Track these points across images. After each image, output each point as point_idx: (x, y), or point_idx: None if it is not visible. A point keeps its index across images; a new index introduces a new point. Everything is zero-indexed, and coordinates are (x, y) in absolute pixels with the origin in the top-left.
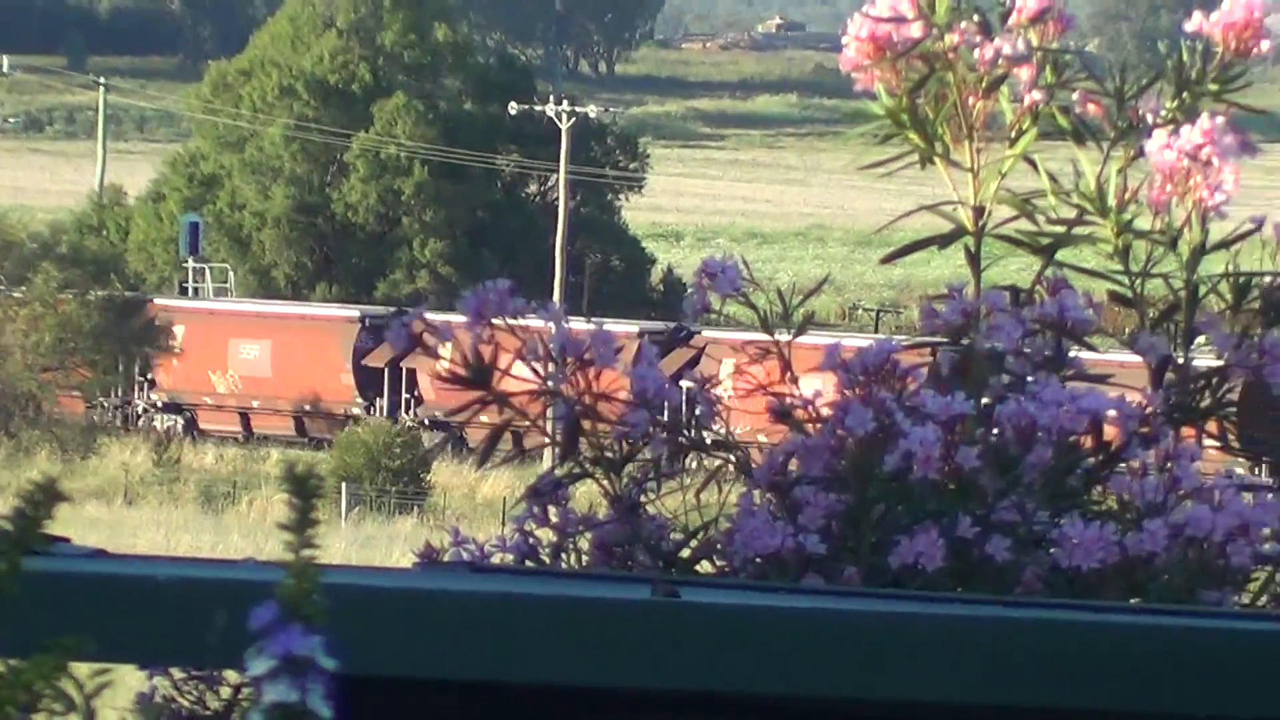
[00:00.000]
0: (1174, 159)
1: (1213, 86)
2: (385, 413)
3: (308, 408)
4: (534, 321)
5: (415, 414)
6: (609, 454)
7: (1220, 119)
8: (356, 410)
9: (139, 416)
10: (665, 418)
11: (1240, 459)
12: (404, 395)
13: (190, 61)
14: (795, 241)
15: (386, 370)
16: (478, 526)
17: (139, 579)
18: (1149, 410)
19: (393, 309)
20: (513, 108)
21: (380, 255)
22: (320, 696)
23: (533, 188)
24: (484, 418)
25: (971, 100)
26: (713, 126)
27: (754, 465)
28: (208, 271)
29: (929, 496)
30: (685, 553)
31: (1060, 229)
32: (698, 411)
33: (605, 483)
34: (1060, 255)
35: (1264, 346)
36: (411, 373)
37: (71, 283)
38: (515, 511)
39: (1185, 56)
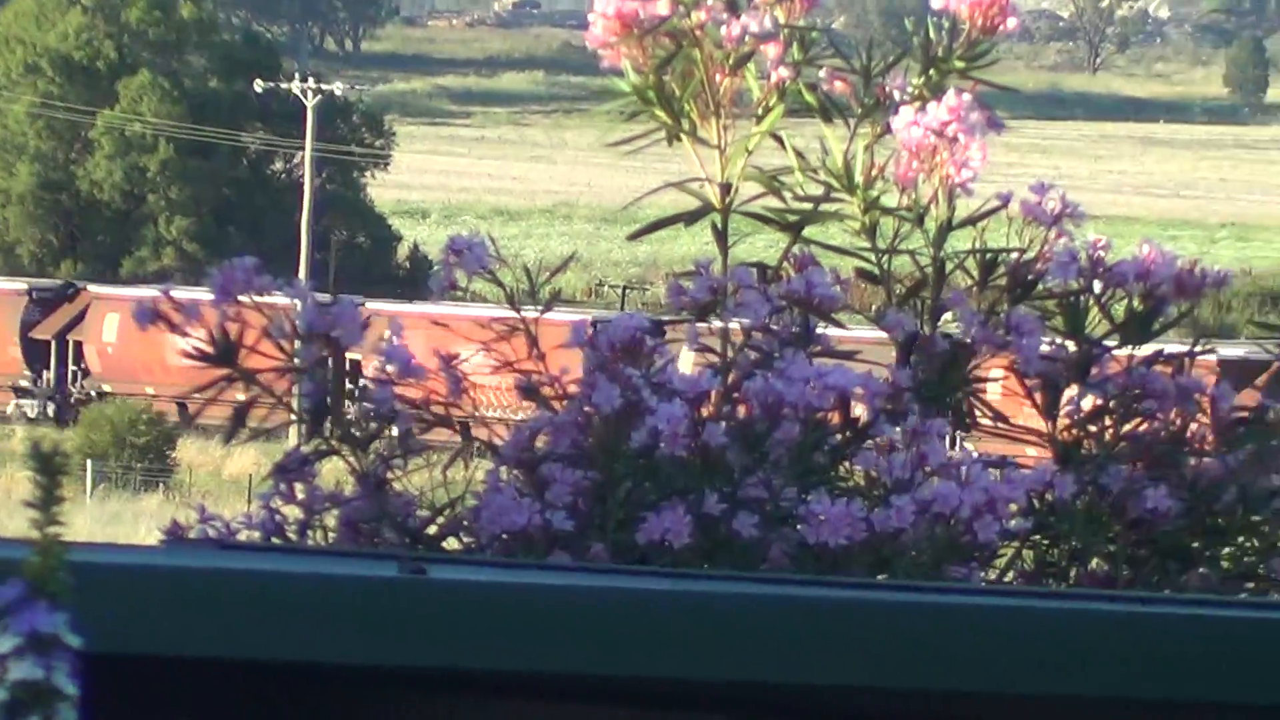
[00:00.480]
0: (921, 136)
1: (959, 63)
2: (53, 385)
3: None
4: (280, 299)
5: (82, 386)
6: (356, 431)
7: (967, 96)
8: (24, 383)
9: None
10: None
11: (982, 435)
12: (71, 367)
13: None
14: (541, 218)
15: (54, 343)
16: (224, 503)
17: None
18: (896, 387)
19: (60, 282)
20: (259, 85)
21: (126, 232)
22: (65, 674)
23: (279, 165)
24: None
25: (718, 77)
26: (459, 104)
27: (501, 442)
28: None
29: (676, 473)
30: (432, 530)
31: (807, 206)
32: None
33: (352, 460)
34: (807, 232)
35: (1011, 322)
36: (78, 345)
37: None
38: (262, 489)
39: (932, 33)
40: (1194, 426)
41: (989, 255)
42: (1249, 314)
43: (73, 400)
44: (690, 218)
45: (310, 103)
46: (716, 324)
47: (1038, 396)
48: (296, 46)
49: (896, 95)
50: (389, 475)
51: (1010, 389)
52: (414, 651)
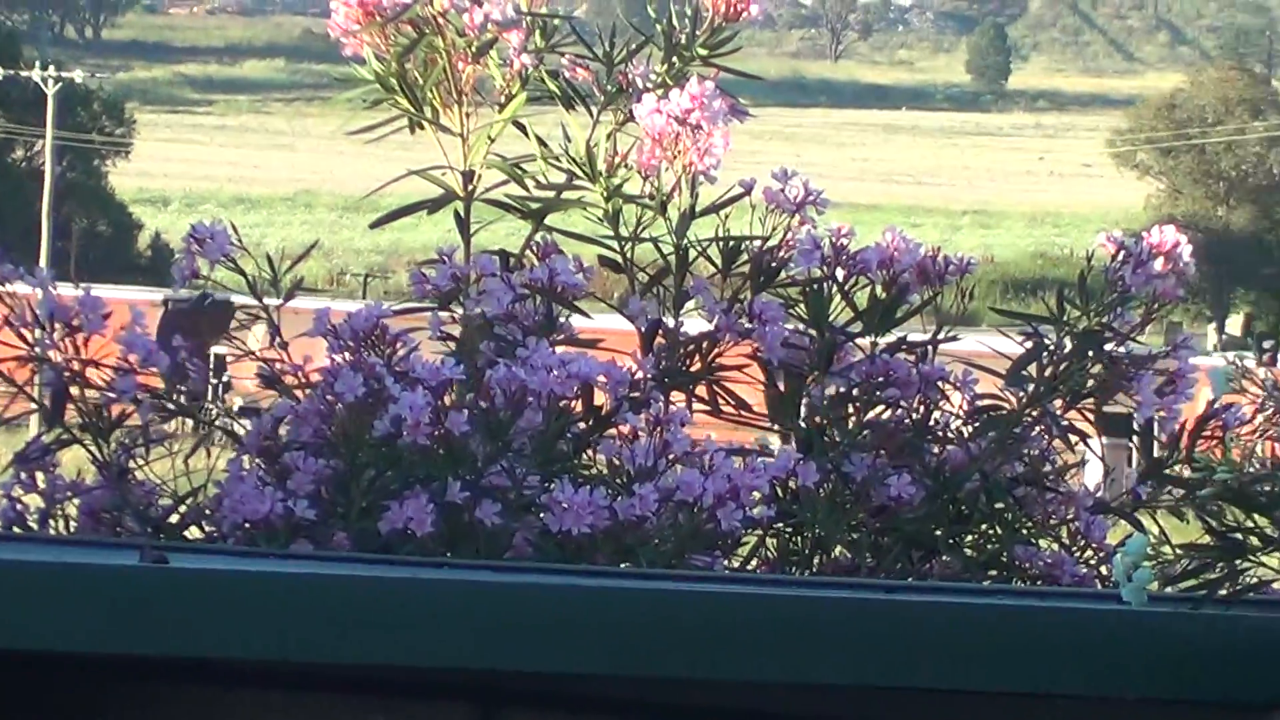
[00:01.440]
0: (663, 123)
1: (702, 51)
2: None
3: None
4: (21, 287)
5: None
6: (97, 420)
7: (709, 83)
8: None
9: None
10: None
11: (727, 423)
12: None
13: None
14: (283, 207)
15: None
16: None
17: None
18: (639, 375)
19: None
20: None
21: None
22: None
23: (19, 153)
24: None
25: (461, 65)
26: (200, 92)
27: (244, 431)
28: None
29: (419, 462)
30: (174, 519)
31: (550, 194)
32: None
33: (94, 449)
34: (550, 220)
35: (754, 310)
36: None
37: None
38: (2, 478)
39: (674, 21)
40: (937, 414)
41: (732, 243)
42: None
43: None
44: (433, 205)
45: (50, 90)
46: (459, 311)
47: (781, 384)
48: (36, 34)
49: (639, 83)
50: (130, 464)
51: (754, 377)
52: (156, 640)
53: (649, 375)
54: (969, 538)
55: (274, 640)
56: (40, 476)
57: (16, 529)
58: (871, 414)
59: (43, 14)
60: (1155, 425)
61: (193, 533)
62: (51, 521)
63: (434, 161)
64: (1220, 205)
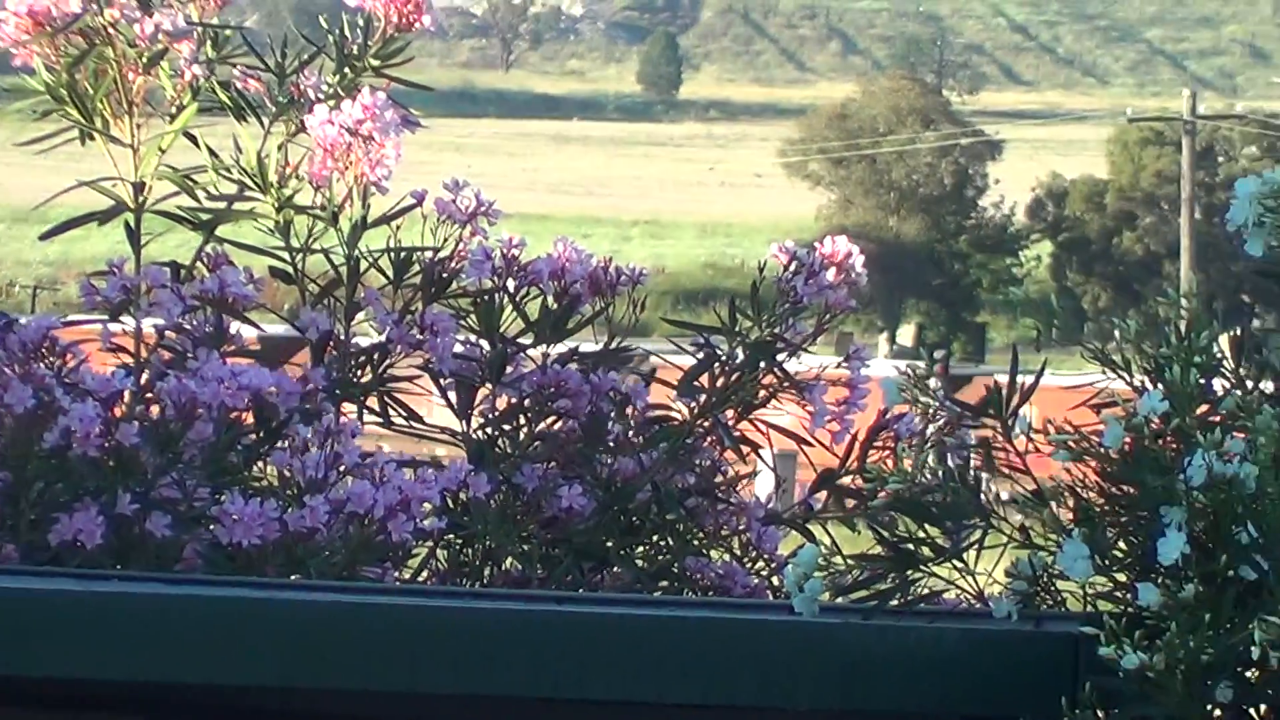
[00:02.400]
0: (335, 134)
1: (374, 61)
2: None
3: None
4: None
5: None
6: None
7: (381, 94)
8: None
9: None
10: None
11: (398, 434)
12: None
13: None
14: None
15: None
16: None
17: None
18: (310, 386)
19: None
20: None
21: None
22: None
23: None
24: None
25: (131, 76)
26: None
27: None
28: None
29: (89, 473)
30: None
31: (220, 205)
32: None
33: None
34: (221, 231)
35: (425, 321)
36: None
37: None
38: None
39: (346, 31)
40: (609, 425)
41: (403, 254)
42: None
43: None
44: (103, 217)
45: None
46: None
47: (452, 395)
48: None
49: (311, 93)
50: None
51: (425, 388)
52: None
53: (320, 387)
54: (640, 549)
55: None
56: None
57: None
58: (543, 425)
59: None
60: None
61: None
62: None
63: (105, 172)
64: (891, 215)
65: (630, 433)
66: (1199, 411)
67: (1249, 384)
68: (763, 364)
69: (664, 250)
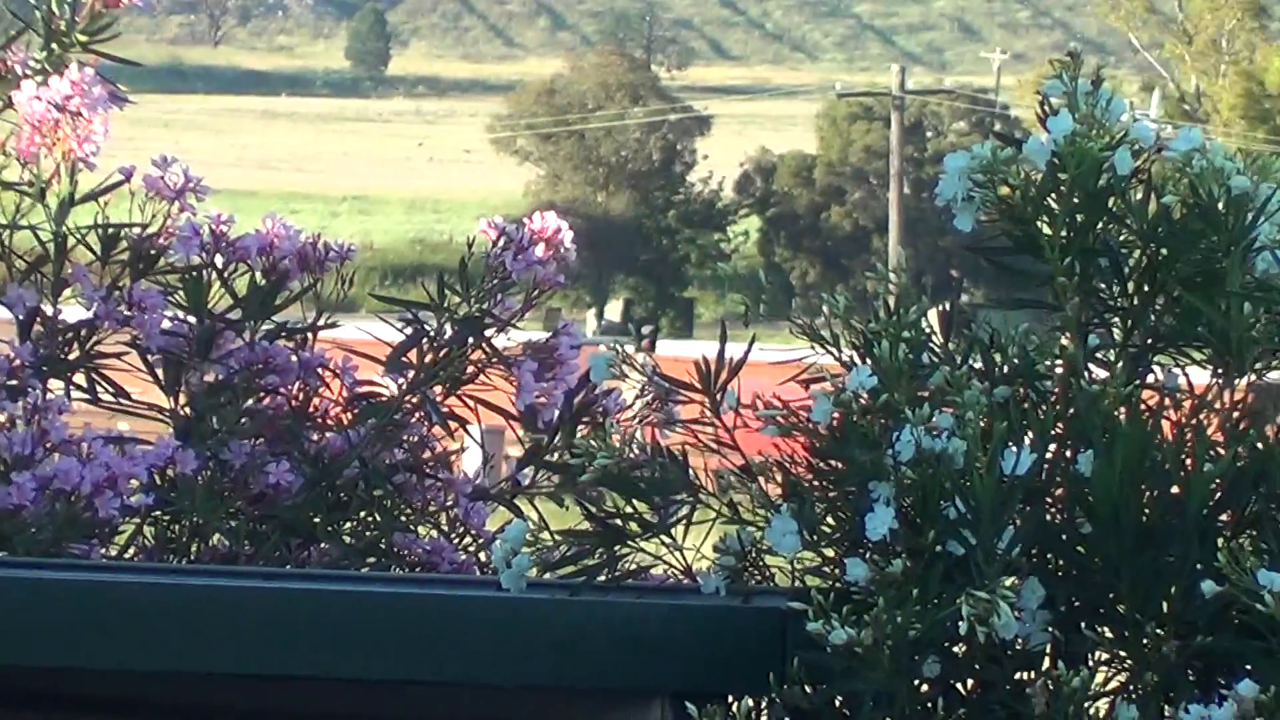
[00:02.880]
0: (42, 110)
1: (82, 37)
2: None
3: None
4: None
5: None
6: None
7: (89, 70)
8: None
9: None
10: None
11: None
12: None
13: None
14: None
15: None
16: None
17: None
18: (16, 362)
19: None
20: None
21: None
22: None
23: None
24: None
25: None
26: None
27: None
28: None
29: None
30: None
31: None
32: None
33: None
34: None
35: (133, 298)
36: None
37: None
38: None
39: (54, 7)
40: (317, 401)
41: (111, 230)
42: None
43: None
44: None
45: None
46: None
47: (160, 372)
48: None
49: (18, 69)
50: None
51: (134, 364)
52: None
53: (26, 363)
54: (348, 525)
55: None
56: None
57: None
58: (251, 401)
59: None
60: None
61: None
62: None
63: None
64: (600, 191)
65: (338, 409)
66: (907, 387)
67: (957, 359)
68: (471, 340)
69: (372, 226)
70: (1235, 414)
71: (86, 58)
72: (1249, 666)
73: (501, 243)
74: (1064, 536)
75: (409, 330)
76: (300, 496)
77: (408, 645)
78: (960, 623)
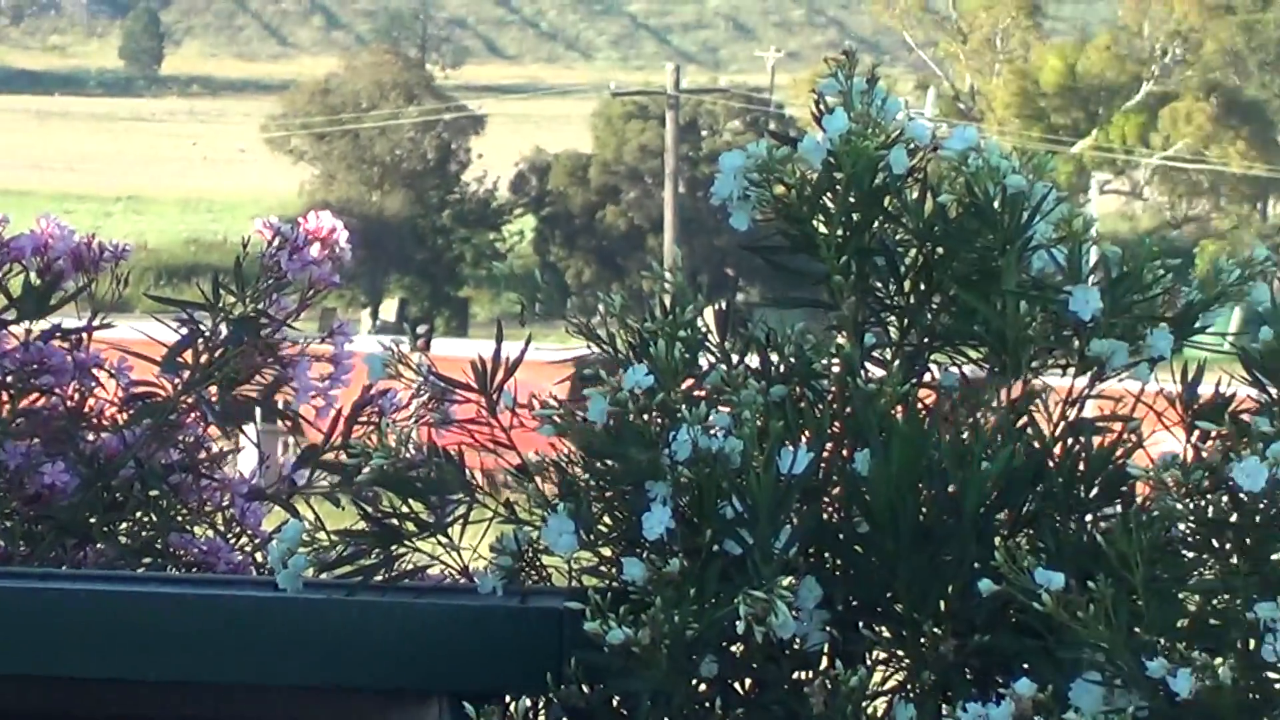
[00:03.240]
0: None
1: None
2: None
3: None
4: None
5: None
6: None
7: None
8: None
9: None
10: None
11: None
12: None
13: None
14: None
15: None
16: None
17: None
18: None
19: None
20: None
21: None
22: None
23: None
24: None
25: None
26: None
27: None
28: None
29: None
30: None
31: None
32: None
33: None
34: None
35: None
36: None
37: None
38: None
39: None
40: (92, 401)
41: None
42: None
43: None
44: None
45: None
46: None
47: None
48: None
49: None
50: None
51: None
52: None
53: None
54: (124, 525)
55: None
56: None
57: None
58: (26, 401)
59: None
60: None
61: None
62: None
63: None
64: (375, 190)
65: (114, 409)
66: (684, 386)
67: (734, 358)
68: (246, 340)
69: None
70: (1011, 412)
71: None
72: (1026, 665)
73: (276, 242)
74: (841, 535)
75: (184, 330)
76: (76, 497)
77: (184, 646)
78: (738, 622)
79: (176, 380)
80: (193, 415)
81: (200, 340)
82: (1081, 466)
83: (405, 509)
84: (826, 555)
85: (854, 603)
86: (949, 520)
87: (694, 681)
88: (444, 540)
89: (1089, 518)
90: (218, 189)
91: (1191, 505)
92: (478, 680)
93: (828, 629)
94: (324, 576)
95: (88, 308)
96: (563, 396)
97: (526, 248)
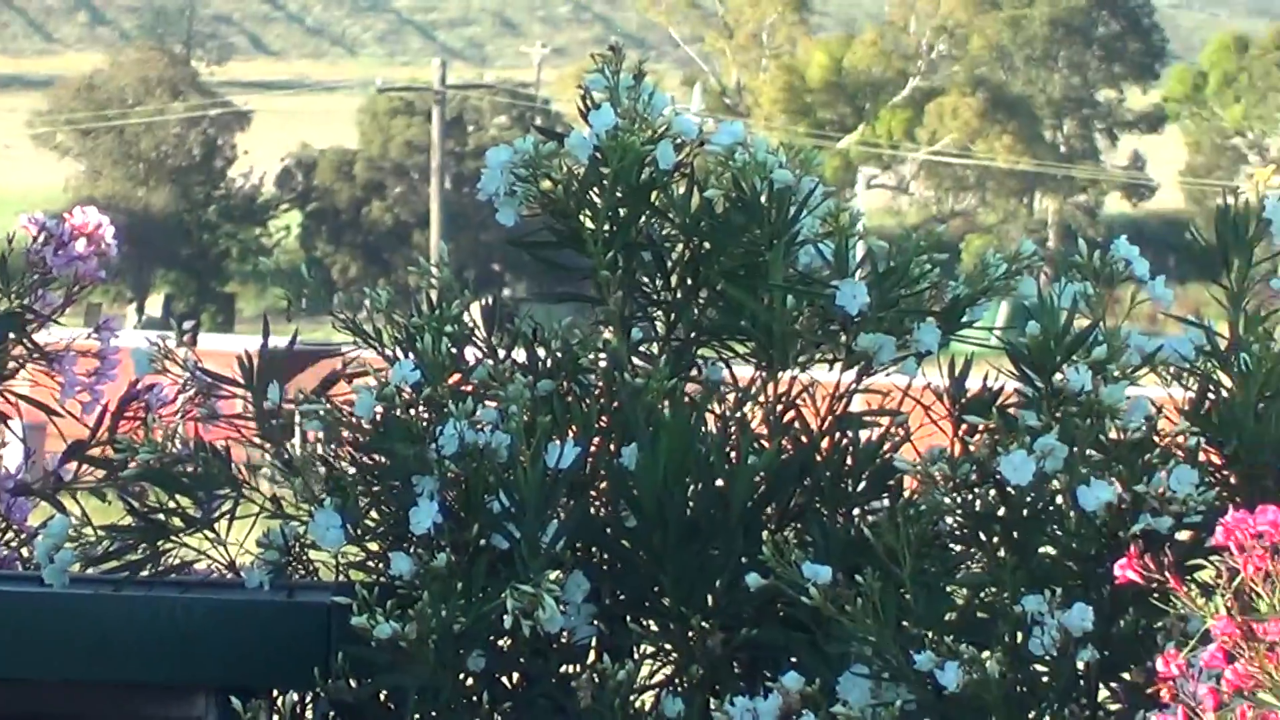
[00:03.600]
0: None
1: None
2: None
3: None
4: None
5: None
6: None
7: None
8: None
9: None
10: None
11: None
12: None
13: None
14: None
15: None
16: None
17: None
18: None
19: None
20: None
21: None
22: None
23: None
24: None
25: None
26: None
27: None
28: None
29: None
30: None
31: None
32: None
33: None
34: None
35: None
36: None
37: None
38: None
39: None
40: None
41: None
42: None
43: None
44: None
45: None
46: None
47: None
48: None
49: None
50: None
51: None
52: None
53: None
54: None
55: None
56: None
57: None
58: None
59: None
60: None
61: None
62: None
63: None
64: (141, 186)
65: None
66: (451, 381)
67: (501, 353)
68: (12, 335)
69: None
70: (779, 406)
71: None
72: (794, 658)
73: (42, 238)
74: (609, 530)
75: None
76: None
77: None
78: (505, 617)
79: None
80: None
81: None
82: (849, 461)
83: (172, 504)
84: (594, 550)
85: (622, 597)
86: (716, 515)
87: (461, 676)
88: (211, 535)
89: (856, 512)
90: None
91: (959, 499)
92: (245, 675)
93: (595, 623)
94: (91, 571)
95: None
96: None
97: (293, 243)
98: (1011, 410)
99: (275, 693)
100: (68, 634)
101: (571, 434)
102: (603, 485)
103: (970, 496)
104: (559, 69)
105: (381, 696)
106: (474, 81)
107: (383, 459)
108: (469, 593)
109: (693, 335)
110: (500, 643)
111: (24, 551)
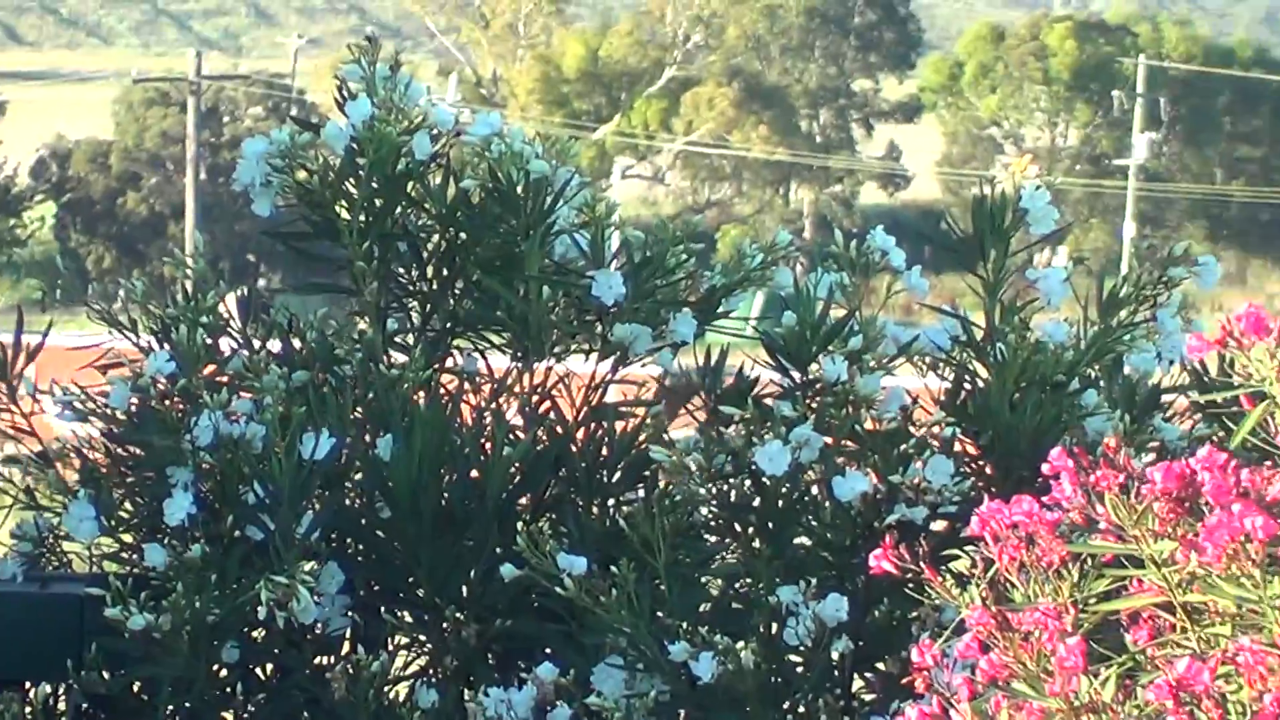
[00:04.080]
0: None
1: None
2: None
3: None
4: None
5: None
6: None
7: None
8: None
9: None
10: None
11: None
12: None
13: None
14: None
15: None
16: None
17: None
18: None
19: None
20: None
21: None
22: None
23: None
24: None
25: None
26: None
27: None
28: None
29: None
30: None
31: None
32: None
33: None
34: None
35: None
36: None
37: None
38: None
39: None
40: None
41: None
42: None
43: None
44: None
45: None
46: None
47: None
48: None
49: None
50: None
51: None
52: None
53: None
54: None
55: None
56: None
57: None
58: None
59: None
60: None
61: None
62: None
63: None
64: None
65: None
66: (206, 371)
67: (256, 344)
68: None
69: None
70: (535, 397)
71: None
72: (549, 649)
73: None
74: (364, 521)
75: None
76: None
77: None
78: (259, 608)
79: None
80: None
81: None
82: (605, 451)
83: None
84: (349, 541)
85: (376, 588)
86: (471, 505)
87: (215, 667)
88: None
89: (611, 502)
90: None
91: (714, 489)
92: None
93: (350, 614)
94: None
95: None
96: (85, 383)
97: (47, 234)
98: (767, 401)
99: (27, 685)
100: None
101: (327, 425)
102: (358, 476)
103: (725, 487)
104: (315, 60)
105: (135, 688)
106: (229, 73)
107: (137, 450)
108: (223, 584)
109: (449, 326)
110: (254, 634)
111: None
